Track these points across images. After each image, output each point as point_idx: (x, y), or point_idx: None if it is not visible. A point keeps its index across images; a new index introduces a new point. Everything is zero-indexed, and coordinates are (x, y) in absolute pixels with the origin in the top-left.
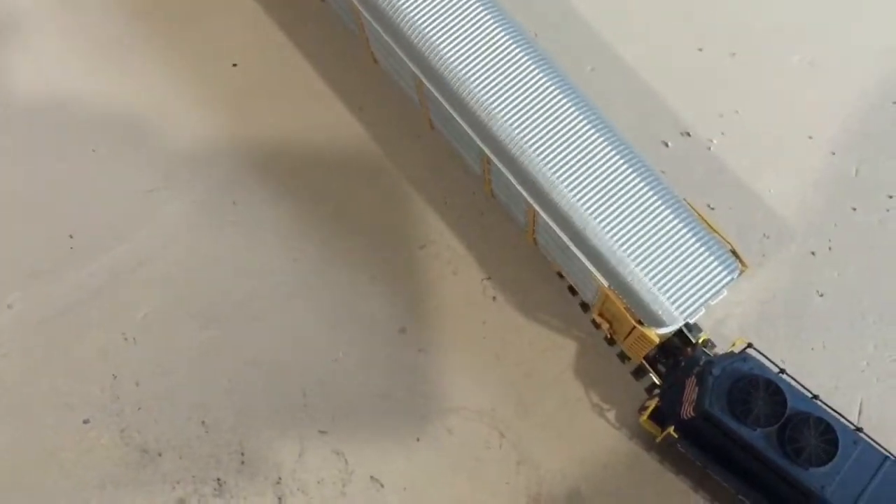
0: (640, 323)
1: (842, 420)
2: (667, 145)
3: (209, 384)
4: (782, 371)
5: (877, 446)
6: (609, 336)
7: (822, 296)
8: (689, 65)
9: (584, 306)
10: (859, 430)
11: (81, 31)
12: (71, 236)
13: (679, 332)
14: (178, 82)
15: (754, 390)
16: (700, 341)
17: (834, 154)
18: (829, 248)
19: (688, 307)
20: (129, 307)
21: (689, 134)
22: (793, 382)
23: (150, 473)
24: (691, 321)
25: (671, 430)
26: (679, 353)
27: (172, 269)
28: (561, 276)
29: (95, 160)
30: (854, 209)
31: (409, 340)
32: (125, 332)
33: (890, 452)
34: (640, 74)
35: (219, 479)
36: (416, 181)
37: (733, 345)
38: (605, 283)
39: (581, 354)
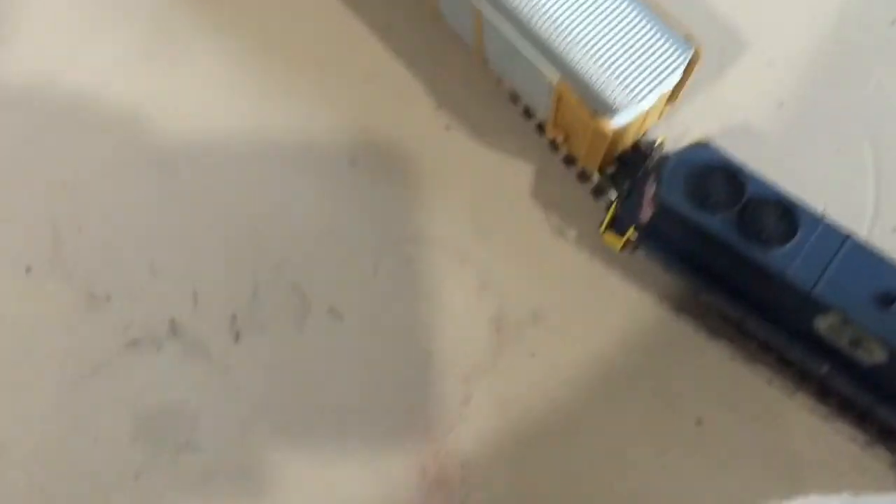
0: (595, 115)
1: (804, 205)
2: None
3: (157, 228)
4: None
5: (837, 226)
6: (567, 154)
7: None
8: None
9: (540, 128)
10: (823, 216)
11: None
12: None
13: (635, 145)
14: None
15: (711, 175)
16: (658, 144)
17: None
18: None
19: (640, 89)
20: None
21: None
22: (748, 169)
23: (99, 317)
24: (644, 106)
25: (630, 232)
26: (638, 162)
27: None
28: (514, 99)
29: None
30: None
31: (360, 173)
32: (65, 179)
33: (852, 232)
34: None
35: (172, 320)
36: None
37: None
38: (556, 76)
39: (539, 178)
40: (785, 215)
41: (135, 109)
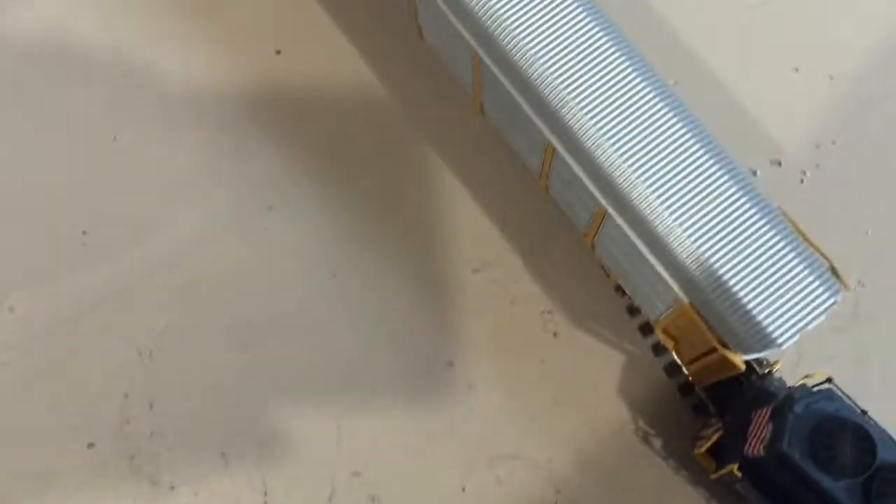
0: (724, 345)
1: None
2: (755, 174)
3: (232, 410)
4: (864, 412)
5: None
6: (672, 359)
7: None
8: (784, 86)
9: (644, 329)
10: None
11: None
12: (84, 232)
13: (748, 364)
14: (218, 69)
15: (841, 434)
16: (772, 371)
17: None
18: None
19: (784, 331)
20: (147, 318)
21: (779, 163)
22: (879, 426)
23: None
24: (786, 346)
25: (734, 467)
26: (744, 381)
27: (197, 278)
28: (621, 291)
29: (117, 149)
30: None
31: (457, 375)
32: (140, 345)
33: None
34: (729, 92)
35: None
36: (471, 190)
37: (806, 376)
38: (685, 298)
39: (645, 396)
40: None
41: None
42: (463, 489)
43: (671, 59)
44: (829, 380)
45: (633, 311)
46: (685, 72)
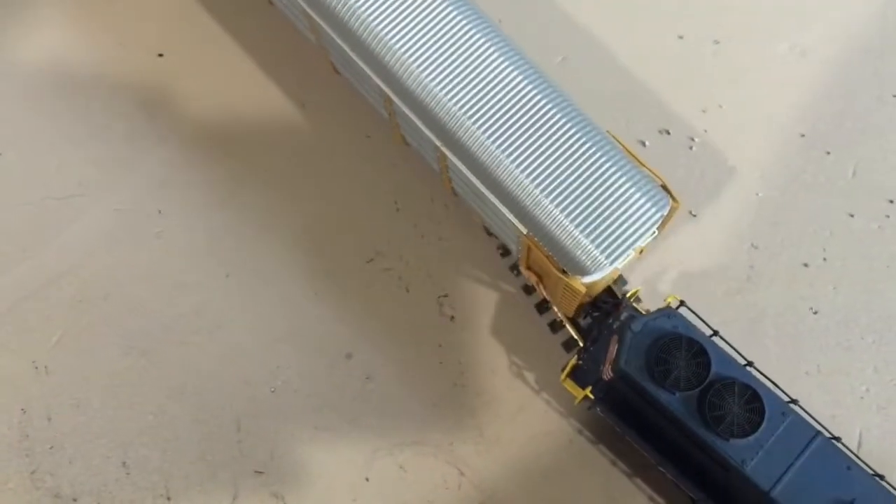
0: (564, 272)
1: (774, 390)
2: (644, 144)
3: (131, 419)
4: (715, 333)
5: (809, 419)
6: (542, 300)
7: (815, 313)
8: (669, 54)
9: (514, 268)
10: (794, 401)
11: None
12: None
13: (609, 290)
14: (98, 71)
15: (676, 350)
16: (629, 295)
17: (829, 154)
18: (824, 259)
19: (614, 250)
20: (40, 331)
21: (668, 132)
22: (726, 347)
23: None
24: (619, 265)
25: (588, 391)
26: (610, 310)
27: (89, 288)
28: (488, 232)
29: (2, 165)
30: (851, 215)
31: (355, 366)
32: (35, 359)
33: (825, 428)
34: (616, 64)
35: None
36: (362, 182)
37: (666, 302)
38: (523, 229)
39: (550, 373)
40: (750, 402)
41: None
42: (367, 479)
43: (558, 34)
44: (681, 303)
45: (505, 251)
46: (572, 46)
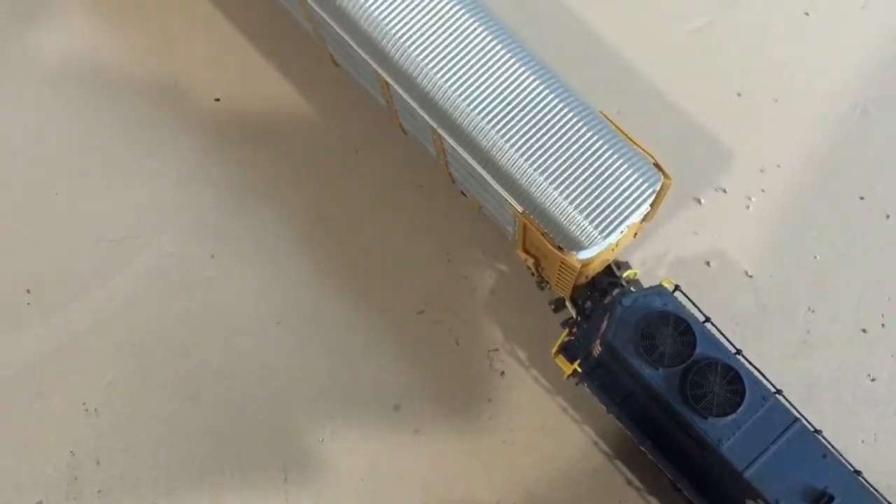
0: (560, 249)
1: (758, 376)
2: (699, 202)
3: (178, 464)
4: (707, 320)
5: (789, 406)
6: (540, 279)
7: (874, 380)
8: (726, 111)
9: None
10: (779, 392)
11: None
12: (28, 291)
13: (606, 270)
14: (154, 117)
15: (663, 326)
16: (626, 275)
17: (888, 217)
18: (882, 325)
19: (607, 225)
20: (91, 372)
21: (724, 190)
22: (718, 335)
23: None
24: (612, 240)
25: (576, 364)
26: (607, 290)
27: (140, 331)
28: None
29: (58, 204)
30: None
31: (404, 418)
32: (86, 401)
33: (803, 416)
34: (672, 120)
35: None
36: (413, 233)
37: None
38: (518, 207)
39: (602, 430)
40: (732, 383)
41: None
42: None
43: (614, 89)
44: (676, 287)
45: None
46: (627, 100)
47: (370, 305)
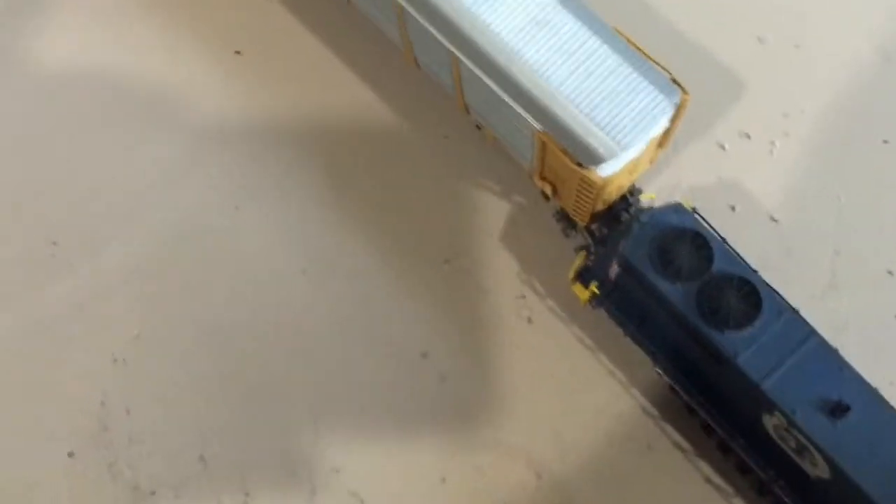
0: (580, 165)
1: (775, 294)
2: (723, 148)
3: (209, 414)
4: (724, 241)
5: (805, 321)
6: (559, 209)
7: None
8: (750, 57)
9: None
10: (795, 311)
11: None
12: (54, 243)
13: (622, 197)
14: (181, 68)
15: (680, 241)
16: (643, 196)
17: None
18: None
19: (626, 137)
20: (119, 325)
21: (748, 135)
22: (734, 253)
23: None
24: (633, 154)
25: (594, 286)
26: (623, 214)
27: (167, 283)
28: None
29: (83, 158)
30: None
31: (431, 366)
32: (115, 352)
33: (816, 331)
34: (696, 66)
35: None
36: (441, 185)
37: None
38: (537, 125)
39: (632, 376)
40: (748, 297)
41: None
42: (443, 480)
43: (634, 22)
44: (693, 209)
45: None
46: (654, 40)
47: (398, 254)
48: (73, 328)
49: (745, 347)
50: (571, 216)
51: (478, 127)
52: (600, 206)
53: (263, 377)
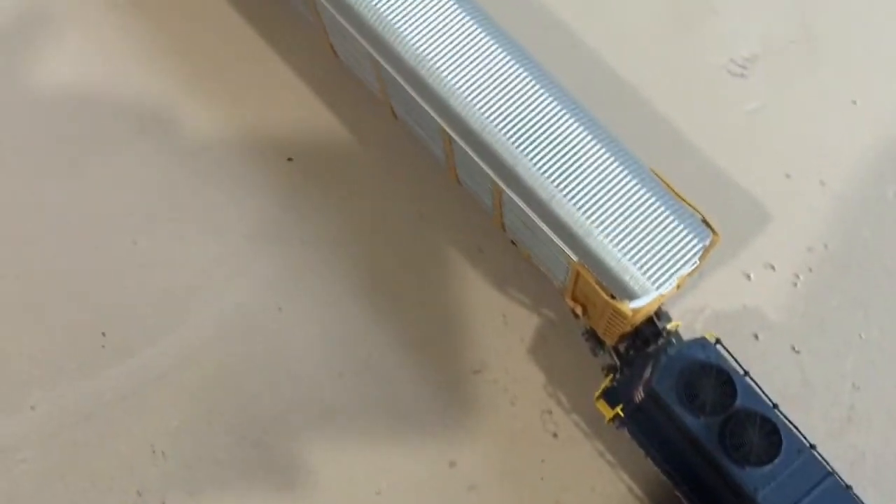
0: (613, 297)
1: (794, 431)
2: (749, 278)
3: None
4: (746, 374)
5: (822, 461)
6: (587, 328)
7: None
8: (776, 191)
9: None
10: (812, 447)
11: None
12: (104, 334)
13: (649, 321)
14: (233, 174)
15: (706, 377)
16: (670, 328)
17: None
18: None
19: (659, 276)
20: (160, 416)
21: (773, 267)
22: (756, 388)
23: None
24: (664, 291)
25: (619, 409)
26: (650, 339)
27: (208, 377)
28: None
29: (136, 252)
30: None
31: (458, 475)
32: (154, 444)
33: (836, 472)
34: (723, 197)
35: None
36: (471, 294)
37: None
38: (574, 256)
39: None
40: (770, 435)
41: None
42: None
43: (670, 158)
44: (717, 340)
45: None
46: (683, 174)
47: (427, 363)
48: (116, 417)
49: (764, 484)
50: (600, 336)
51: (513, 243)
52: (628, 329)
53: (293, 476)
